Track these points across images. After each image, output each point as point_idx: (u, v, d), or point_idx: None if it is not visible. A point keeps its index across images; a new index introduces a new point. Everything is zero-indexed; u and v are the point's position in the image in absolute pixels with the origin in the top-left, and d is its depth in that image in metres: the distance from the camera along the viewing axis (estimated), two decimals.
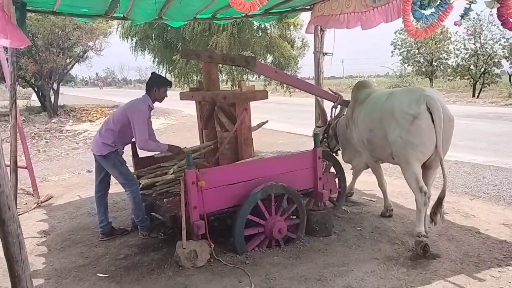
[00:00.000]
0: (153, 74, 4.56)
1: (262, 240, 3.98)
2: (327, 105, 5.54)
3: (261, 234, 3.97)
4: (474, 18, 23.38)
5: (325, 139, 5.44)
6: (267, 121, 5.23)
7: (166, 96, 4.45)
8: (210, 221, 3.82)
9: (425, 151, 3.90)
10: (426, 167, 4.09)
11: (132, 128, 4.16)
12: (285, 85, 13.32)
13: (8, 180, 1.94)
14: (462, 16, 3.58)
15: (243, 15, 6.49)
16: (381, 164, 4.90)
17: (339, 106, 5.30)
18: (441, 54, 27.05)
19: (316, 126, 5.78)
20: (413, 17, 3.46)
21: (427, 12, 3.42)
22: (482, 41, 24.01)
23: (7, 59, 5.69)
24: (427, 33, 3.62)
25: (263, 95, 4.36)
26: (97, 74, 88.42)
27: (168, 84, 4.44)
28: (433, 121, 3.78)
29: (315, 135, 4.43)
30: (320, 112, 5.56)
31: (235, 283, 3.38)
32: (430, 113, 3.80)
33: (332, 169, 4.98)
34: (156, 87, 4.32)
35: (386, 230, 4.37)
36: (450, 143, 4.08)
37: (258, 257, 3.81)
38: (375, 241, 4.11)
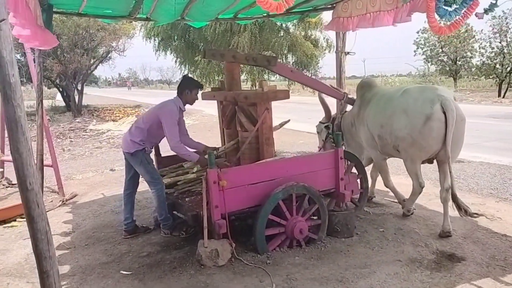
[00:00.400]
0: (185, 77, 4.65)
1: (283, 240, 3.98)
2: (331, 102, 5.63)
3: (282, 234, 3.96)
4: (500, 16, 22.82)
5: (330, 135, 5.55)
6: (288, 120, 5.23)
7: (197, 99, 4.51)
8: (231, 220, 3.83)
9: (430, 151, 4.14)
10: (439, 162, 4.37)
11: (164, 129, 4.22)
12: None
13: (37, 179, 1.99)
14: (486, 11, 3.50)
15: (265, 14, 6.49)
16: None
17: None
18: (466, 52, 26.50)
19: (320, 122, 5.87)
20: (437, 14, 3.40)
21: (451, 8, 3.35)
22: (509, 39, 23.40)
23: (34, 60, 5.84)
24: (451, 29, 3.56)
25: (284, 95, 4.35)
26: (119, 74, 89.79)
27: (200, 87, 4.51)
28: (445, 121, 3.92)
29: (336, 136, 4.40)
30: (324, 109, 5.68)
31: (256, 282, 3.39)
32: (444, 113, 3.91)
33: (354, 170, 4.93)
34: (188, 89, 4.38)
35: (409, 232, 4.31)
36: (463, 141, 4.27)
37: (279, 257, 3.81)
38: (398, 243, 4.06)
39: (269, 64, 4.44)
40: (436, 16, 3.47)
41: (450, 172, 4.02)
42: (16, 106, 1.90)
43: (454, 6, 3.33)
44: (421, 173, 4.44)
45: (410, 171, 4.43)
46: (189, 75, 10.46)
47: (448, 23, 3.50)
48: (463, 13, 3.35)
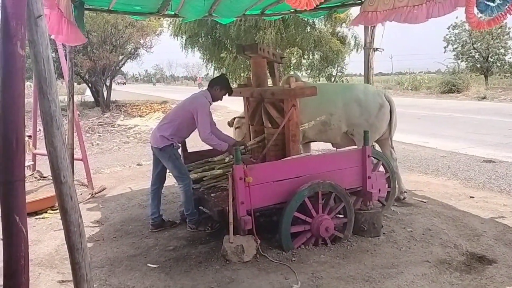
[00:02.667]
0: (223, 75, 4.76)
1: (309, 238, 3.95)
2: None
3: (308, 231, 3.94)
4: None
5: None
6: (324, 116, 5.24)
7: (221, 100, 4.60)
8: (256, 217, 3.83)
9: (381, 132, 5.22)
10: (381, 141, 5.44)
11: (196, 121, 4.29)
12: (332, 80, 13.14)
13: (70, 172, 2.04)
14: None
15: (292, 10, 6.46)
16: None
17: None
18: (499, 49, 25.67)
19: (238, 118, 5.75)
20: (477, 9, 3.29)
21: (494, 4, 3.24)
22: None
23: (65, 56, 5.99)
24: (490, 25, 3.44)
25: (311, 91, 4.31)
26: (146, 71, 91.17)
27: (230, 92, 4.59)
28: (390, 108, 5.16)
29: (365, 133, 4.34)
30: None
31: (281, 279, 3.38)
32: (388, 102, 5.18)
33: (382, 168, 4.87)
34: (219, 86, 4.46)
35: (438, 233, 4.21)
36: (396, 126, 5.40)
37: (304, 255, 3.79)
38: (427, 244, 3.98)
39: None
40: (476, 11, 3.35)
41: (391, 146, 5.38)
42: (51, 101, 1.95)
43: (497, 1, 3.20)
44: None
45: (386, 147, 5.35)
46: (215, 71, 10.54)
47: (488, 18, 3.38)
48: (505, 9, 3.23)
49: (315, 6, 2.94)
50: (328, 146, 5.97)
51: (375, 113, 5.08)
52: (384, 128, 5.19)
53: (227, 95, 4.62)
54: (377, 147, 5.52)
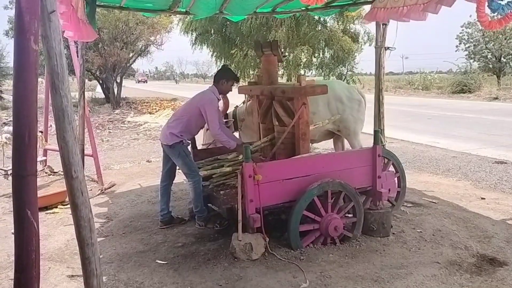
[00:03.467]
0: (224, 66, 4.74)
1: (317, 237, 3.94)
2: None
3: (316, 230, 3.92)
4: None
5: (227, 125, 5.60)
6: (339, 115, 5.31)
7: (231, 91, 4.62)
8: (265, 215, 3.83)
9: (363, 123, 5.71)
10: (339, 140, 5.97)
11: (205, 118, 4.33)
12: (343, 80, 13.06)
13: (81, 167, 2.05)
14: None
15: (303, 8, 6.41)
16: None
17: None
18: None
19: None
20: (489, 8, 3.24)
21: (504, 2, 3.18)
22: None
23: (77, 53, 6.02)
24: (502, 24, 3.38)
25: (322, 89, 4.29)
26: (156, 68, 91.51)
27: (237, 79, 4.62)
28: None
29: (375, 132, 4.31)
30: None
31: (289, 278, 3.37)
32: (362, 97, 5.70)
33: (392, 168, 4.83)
34: (225, 79, 4.47)
35: (448, 234, 4.17)
36: None
37: (313, 253, 3.78)
38: (437, 245, 3.94)
39: None
40: (488, 10, 3.30)
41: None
42: (63, 96, 1.95)
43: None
44: None
45: (355, 141, 5.62)
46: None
47: (499, 16, 3.33)
48: None
49: (326, 1, 2.91)
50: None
51: (357, 107, 5.59)
52: (364, 120, 5.72)
53: (234, 84, 4.63)
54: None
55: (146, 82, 63.90)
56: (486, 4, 3.21)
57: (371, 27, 11.87)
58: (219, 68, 4.63)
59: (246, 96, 5.57)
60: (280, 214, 4.33)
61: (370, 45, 12.13)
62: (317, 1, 2.79)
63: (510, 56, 25.72)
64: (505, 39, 24.84)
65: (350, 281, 3.30)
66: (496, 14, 3.35)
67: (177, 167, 4.60)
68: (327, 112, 5.44)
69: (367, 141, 5.32)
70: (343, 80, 12.87)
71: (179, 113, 4.55)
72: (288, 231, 3.82)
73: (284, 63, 11.43)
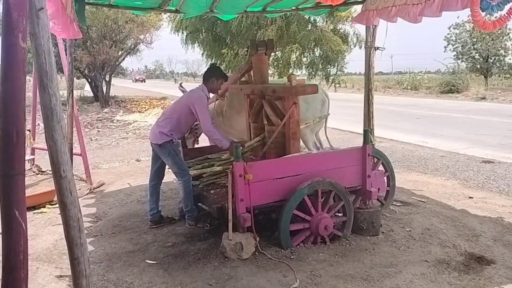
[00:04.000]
0: (212, 65, 4.74)
1: (308, 236, 3.95)
2: None
3: (307, 230, 3.93)
4: None
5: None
6: (328, 114, 5.35)
7: (220, 89, 4.63)
8: (255, 214, 3.82)
9: (324, 124, 5.71)
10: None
11: (196, 116, 4.32)
12: (330, 79, 13.10)
13: (70, 166, 2.02)
14: None
15: (294, 8, 6.43)
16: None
17: None
18: (498, 50, 25.67)
19: None
20: (480, 7, 3.27)
21: (494, 2, 3.22)
22: None
23: (65, 50, 5.96)
24: (495, 26, 3.42)
25: (313, 89, 4.30)
26: (146, 66, 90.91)
27: (225, 78, 4.60)
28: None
29: (365, 131, 4.33)
30: None
31: (279, 277, 3.38)
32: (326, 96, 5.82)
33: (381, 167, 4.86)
34: (215, 77, 4.46)
35: (437, 232, 4.21)
36: None
37: (303, 253, 3.79)
38: (425, 243, 3.98)
39: None
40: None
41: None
42: (52, 95, 1.93)
43: (497, 0, 3.19)
44: None
45: (309, 139, 5.69)
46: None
47: (493, 18, 3.37)
48: (508, 10, 3.21)
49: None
50: (327, 144, 5.96)
51: (320, 107, 5.68)
52: (324, 122, 5.73)
53: (223, 82, 4.61)
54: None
55: (144, 81, 60.34)
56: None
57: (360, 28, 11.90)
58: (208, 67, 4.61)
59: (215, 95, 5.45)
60: (270, 214, 4.33)
61: (360, 47, 12.15)
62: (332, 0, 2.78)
63: (497, 57, 26.06)
64: (492, 40, 25.16)
65: (340, 280, 3.31)
66: (484, 14, 3.38)
67: (166, 166, 4.58)
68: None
69: (356, 141, 5.26)
70: (330, 80, 12.91)
71: (168, 111, 4.52)
72: (279, 231, 3.82)
73: (274, 62, 11.44)
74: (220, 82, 4.50)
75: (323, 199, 3.96)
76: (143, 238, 4.29)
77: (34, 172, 7.30)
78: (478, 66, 26.93)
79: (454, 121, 13.05)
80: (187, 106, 4.35)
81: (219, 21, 11.10)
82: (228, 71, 12.18)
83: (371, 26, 5.97)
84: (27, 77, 4.46)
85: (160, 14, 14.54)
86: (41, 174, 7.23)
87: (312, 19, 11.80)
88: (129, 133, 12.51)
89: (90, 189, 6.17)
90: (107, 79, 20.63)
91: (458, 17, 26.94)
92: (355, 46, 12.44)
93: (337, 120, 13.13)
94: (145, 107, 19.10)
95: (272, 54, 10.84)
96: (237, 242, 3.69)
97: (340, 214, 4.13)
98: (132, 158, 8.66)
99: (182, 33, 12.71)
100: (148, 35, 19.82)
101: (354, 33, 12.56)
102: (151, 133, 4.52)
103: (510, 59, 25.19)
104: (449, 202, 5.25)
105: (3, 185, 1.81)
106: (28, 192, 5.40)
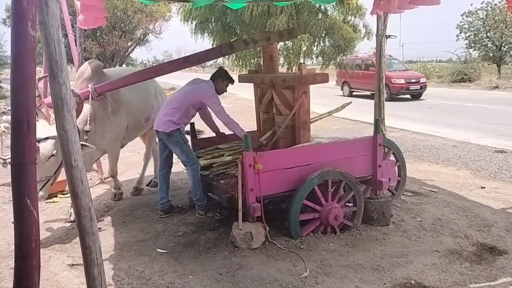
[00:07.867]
0: (221, 68, 4.81)
1: (317, 226, 3.94)
2: None
3: (317, 219, 3.92)
4: None
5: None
6: (350, 102, 5.20)
7: (225, 91, 4.68)
8: (265, 204, 3.82)
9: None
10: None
11: (212, 109, 4.43)
12: (342, 68, 12.96)
13: (81, 156, 2.02)
14: None
15: None
16: None
17: None
18: None
19: None
20: None
21: None
22: None
23: (75, 41, 5.97)
24: None
25: (323, 78, 4.26)
26: (154, 57, 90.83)
27: (232, 82, 4.66)
28: None
29: (376, 121, 4.29)
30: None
31: (289, 266, 3.38)
32: None
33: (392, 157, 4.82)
34: (221, 79, 4.54)
35: (448, 223, 4.18)
36: None
37: (313, 242, 3.78)
38: (436, 233, 3.95)
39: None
40: None
41: None
42: (62, 84, 1.92)
43: None
44: None
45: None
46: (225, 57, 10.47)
47: None
48: None
49: None
50: (339, 134, 5.92)
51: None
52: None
53: (229, 86, 4.67)
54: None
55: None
56: None
57: (370, 19, 11.74)
58: (216, 70, 4.69)
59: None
60: (280, 203, 4.32)
61: (369, 38, 11.99)
62: None
63: (511, 45, 25.54)
64: (506, 27, 24.64)
65: (351, 270, 3.31)
66: None
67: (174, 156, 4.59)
68: (158, 105, 5.38)
69: (367, 131, 5.15)
70: (342, 69, 12.73)
71: (176, 101, 4.50)
72: (288, 220, 3.82)
73: (284, 52, 11.33)
74: (225, 84, 4.58)
75: (333, 189, 3.94)
76: (153, 228, 4.32)
77: None
78: (491, 55, 26.42)
79: (466, 111, 12.89)
80: (200, 101, 4.41)
81: (228, 11, 10.99)
82: (238, 61, 12.12)
83: (382, 15, 5.89)
84: (38, 68, 4.45)
85: (169, 3, 14.49)
86: None
87: (322, 7, 11.66)
88: None
89: (101, 179, 6.21)
90: None
91: (471, 4, 26.38)
92: (363, 37, 12.27)
93: (347, 109, 13.06)
94: None
95: (282, 43, 10.72)
96: (247, 231, 3.70)
97: (350, 204, 4.11)
98: (142, 149, 8.62)
99: (191, 23, 12.63)
100: (157, 25, 19.84)
101: (363, 24, 12.40)
102: (157, 122, 4.51)
103: None
104: (461, 192, 5.20)
105: (14, 174, 1.82)
106: None
